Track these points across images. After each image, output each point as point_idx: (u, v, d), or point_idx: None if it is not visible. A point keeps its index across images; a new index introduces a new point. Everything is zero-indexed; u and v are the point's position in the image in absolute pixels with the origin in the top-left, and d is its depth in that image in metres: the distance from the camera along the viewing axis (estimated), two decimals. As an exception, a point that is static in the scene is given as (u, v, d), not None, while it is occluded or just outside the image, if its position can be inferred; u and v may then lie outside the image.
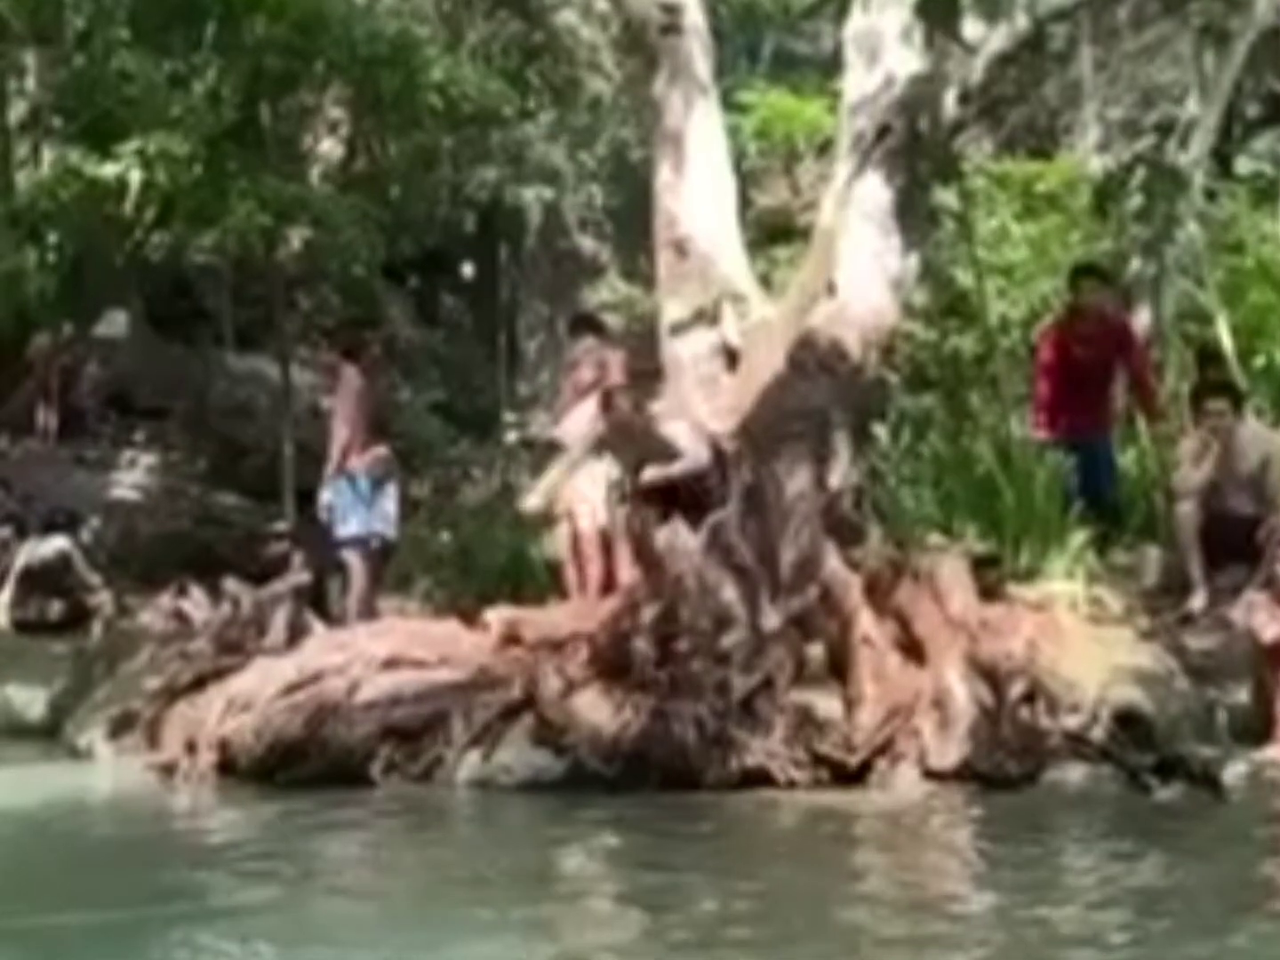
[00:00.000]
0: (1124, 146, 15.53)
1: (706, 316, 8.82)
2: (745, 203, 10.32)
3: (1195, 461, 8.76)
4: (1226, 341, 11.19)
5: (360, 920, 5.01)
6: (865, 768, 7.33)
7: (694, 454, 8.23)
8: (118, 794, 7.83)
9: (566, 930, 4.88)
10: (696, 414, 8.56)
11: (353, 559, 10.45)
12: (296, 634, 9.71)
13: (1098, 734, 7.18)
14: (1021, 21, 9.23)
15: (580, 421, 9.92)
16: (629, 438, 8.49)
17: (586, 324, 11.03)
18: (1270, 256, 12.32)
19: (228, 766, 7.90)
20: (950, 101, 9.11)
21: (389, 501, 10.72)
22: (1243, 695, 7.49)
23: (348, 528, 10.47)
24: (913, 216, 9.05)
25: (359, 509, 10.47)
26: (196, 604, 11.83)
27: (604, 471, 9.82)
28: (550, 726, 7.57)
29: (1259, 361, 11.36)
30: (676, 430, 8.44)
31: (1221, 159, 14.15)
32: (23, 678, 10.55)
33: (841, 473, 8.45)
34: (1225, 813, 6.80)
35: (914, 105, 8.88)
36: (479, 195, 17.98)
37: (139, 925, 4.81)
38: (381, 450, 10.79)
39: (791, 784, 7.26)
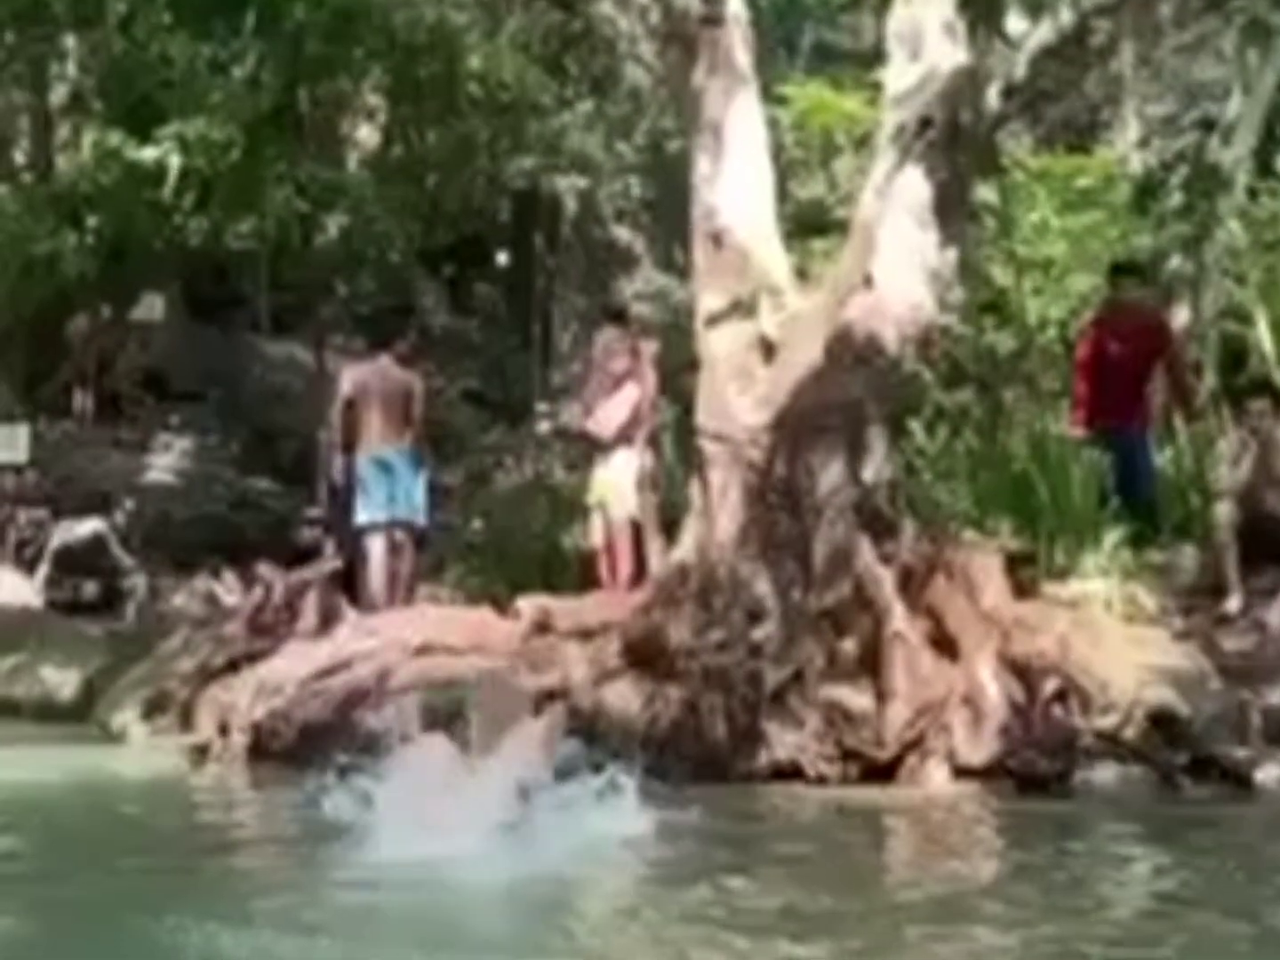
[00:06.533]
0: (1165, 143, 15.43)
1: (743, 308, 8.78)
2: (783, 195, 10.25)
3: (1234, 461, 8.71)
4: (1266, 340, 11.11)
5: (386, 908, 5.01)
6: (895, 763, 7.33)
7: None
8: (150, 775, 7.87)
9: (593, 923, 4.88)
10: (731, 406, 8.53)
11: (365, 544, 10.36)
12: (328, 619, 9.74)
13: (1130, 733, 7.15)
14: (1065, 16, 9.16)
15: (615, 412, 9.93)
16: None
17: (611, 315, 11.06)
18: (1311, 255, 12.22)
19: (259, 750, 7.95)
20: (993, 95, 9.06)
21: (420, 490, 10.68)
22: (1277, 697, 7.43)
23: (358, 514, 10.36)
24: (952, 211, 9.00)
25: (362, 496, 10.33)
26: (229, 588, 11.92)
27: (635, 461, 9.85)
28: (581, 716, 7.57)
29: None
30: None
31: (1263, 157, 14.03)
32: (56, 658, 10.61)
33: (876, 467, 8.42)
34: (1257, 814, 6.76)
35: (956, 99, 8.82)
36: (515, 184, 17.96)
37: (164, 904, 4.81)
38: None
39: (821, 778, 7.26)
